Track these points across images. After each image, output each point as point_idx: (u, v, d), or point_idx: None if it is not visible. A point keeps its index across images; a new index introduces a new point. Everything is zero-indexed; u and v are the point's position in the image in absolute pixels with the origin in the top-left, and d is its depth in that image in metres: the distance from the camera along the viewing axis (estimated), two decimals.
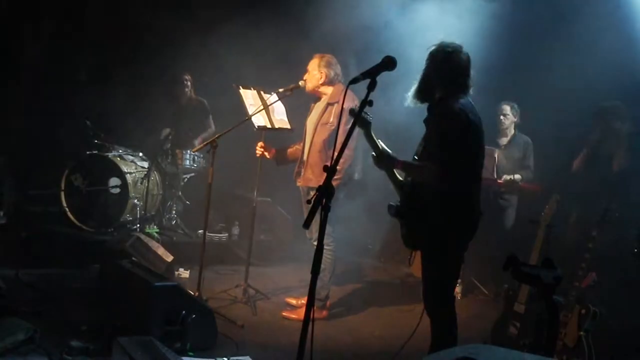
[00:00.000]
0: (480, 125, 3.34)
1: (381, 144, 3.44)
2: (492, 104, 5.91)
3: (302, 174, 4.86)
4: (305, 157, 4.84)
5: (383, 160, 3.40)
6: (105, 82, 6.93)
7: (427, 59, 3.40)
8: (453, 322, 3.39)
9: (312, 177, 4.71)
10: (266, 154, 4.99)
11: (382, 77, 2.70)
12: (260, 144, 4.99)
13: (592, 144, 5.25)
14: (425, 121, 3.42)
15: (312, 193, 4.63)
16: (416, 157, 3.43)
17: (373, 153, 3.45)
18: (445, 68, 3.32)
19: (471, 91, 3.36)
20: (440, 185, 3.20)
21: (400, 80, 3.51)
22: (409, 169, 3.38)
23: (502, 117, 5.99)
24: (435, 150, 3.26)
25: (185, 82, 6.77)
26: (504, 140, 6.06)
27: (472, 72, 3.36)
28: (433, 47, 3.39)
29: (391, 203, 3.46)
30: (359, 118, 3.05)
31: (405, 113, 3.74)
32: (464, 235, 3.35)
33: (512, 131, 6.04)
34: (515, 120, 6.00)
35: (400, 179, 3.48)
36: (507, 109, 5.99)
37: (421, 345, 3.51)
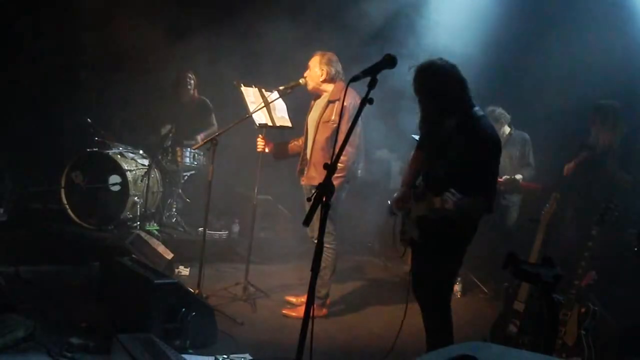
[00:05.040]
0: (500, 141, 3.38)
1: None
2: (491, 102, 5.89)
3: (305, 172, 4.86)
4: (308, 156, 4.84)
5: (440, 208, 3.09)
6: (106, 79, 6.93)
7: (415, 85, 3.30)
8: (449, 319, 3.40)
9: (315, 176, 4.71)
10: (266, 148, 5.00)
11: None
12: (260, 136, 5.00)
13: (588, 144, 5.26)
14: (441, 137, 3.28)
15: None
16: (431, 178, 3.37)
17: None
18: (438, 88, 3.24)
19: (471, 93, 3.35)
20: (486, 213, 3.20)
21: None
22: (462, 206, 2.98)
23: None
24: (478, 183, 3.11)
25: (188, 81, 6.77)
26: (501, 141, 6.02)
27: (464, 77, 3.29)
28: (415, 71, 3.29)
29: (391, 202, 3.46)
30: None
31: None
32: (466, 238, 3.36)
33: (507, 130, 6.01)
34: (506, 120, 5.95)
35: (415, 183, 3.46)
36: (497, 126, 5.87)
37: (420, 343, 3.52)
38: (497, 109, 5.85)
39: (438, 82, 3.26)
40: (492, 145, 3.23)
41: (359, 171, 4.96)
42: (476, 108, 3.29)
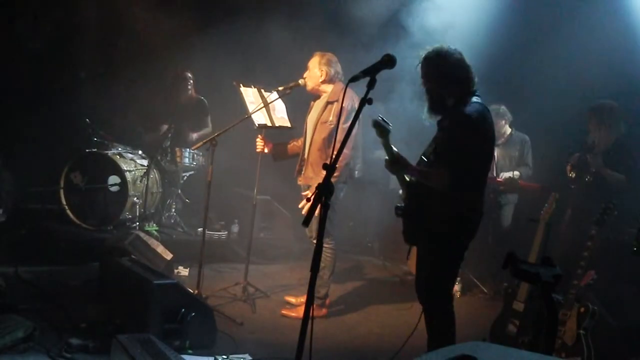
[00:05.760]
0: (493, 130, 3.37)
1: (395, 149, 3.41)
2: (491, 103, 5.90)
3: (302, 172, 4.87)
4: (305, 156, 4.85)
5: (397, 166, 3.36)
6: (105, 80, 6.93)
7: (422, 72, 3.36)
8: (451, 319, 3.40)
9: (312, 176, 4.72)
10: (265, 148, 5.01)
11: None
12: (260, 136, 5.00)
13: (587, 144, 5.26)
14: (439, 123, 3.39)
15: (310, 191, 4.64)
16: (424, 157, 3.42)
17: (387, 157, 3.39)
18: (445, 74, 3.29)
19: (476, 79, 3.34)
20: (451, 192, 3.20)
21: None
22: (422, 175, 3.31)
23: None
24: (448, 158, 3.22)
25: (187, 80, 6.77)
26: (500, 140, 6.03)
27: (469, 64, 3.33)
28: (422, 58, 3.35)
29: (398, 204, 3.47)
30: (378, 127, 3.22)
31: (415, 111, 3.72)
32: (466, 235, 3.37)
33: (508, 130, 6.02)
34: (507, 120, 5.96)
35: (407, 179, 3.48)
36: (501, 123, 5.90)
37: (420, 342, 3.52)
38: (502, 106, 5.89)
39: (445, 68, 3.28)
40: (466, 122, 3.20)
41: (357, 172, 4.96)
42: (475, 96, 3.31)
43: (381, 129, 3.32)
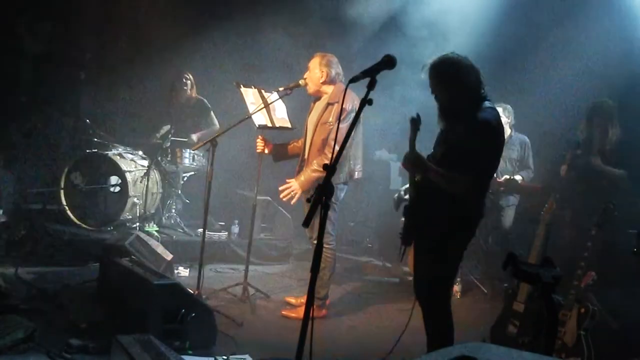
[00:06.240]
0: (504, 134, 3.40)
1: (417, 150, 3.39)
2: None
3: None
4: (306, 156, 4.85)
5: (418, 164, 3.30)
6: (105, 80, 6.93)
7: (430, 81, 3.32)
8: (450, 320, 3.40)
9: None
10: (265, 149, 5.01)
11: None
12: (260, 137, 5.00)
13: (580, 141, 5.26)
14: (451, 127, 3.35)
15: (311, 191, 4.64)
16: (431, 158, 3.42)
17: (407, 155, 3.33)
18: (455, 80, 3.25)
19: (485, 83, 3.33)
20: (469, 197, 3.23)
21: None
22: (445, 179, 3.24)
23: None
24: (473, 166, 3.19)
25: (186, 81, 6.77)
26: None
27: (478, 68, 3.30)
28: (429, 67, 3.31)
29: (407, 205, 3.47)
30: (414, 123, 3.26)
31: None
32: (467, 234, 3.38)
33: (508, 131, 6.01)
34: (509, 121, 5.97)
35: (416, 179, 3.46)
36: (504, 121, 5.92)
37: (418, 342, 3.52)
38: (508, 105, 5.89)
39: (454, 75, 3.26)
40: (486, 129, 3.20)
41: (357, 172, 4.96)
42: (487, 100, 3.30)
43: (416, 125, 3.30)
